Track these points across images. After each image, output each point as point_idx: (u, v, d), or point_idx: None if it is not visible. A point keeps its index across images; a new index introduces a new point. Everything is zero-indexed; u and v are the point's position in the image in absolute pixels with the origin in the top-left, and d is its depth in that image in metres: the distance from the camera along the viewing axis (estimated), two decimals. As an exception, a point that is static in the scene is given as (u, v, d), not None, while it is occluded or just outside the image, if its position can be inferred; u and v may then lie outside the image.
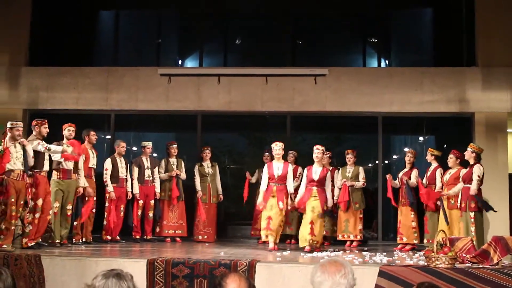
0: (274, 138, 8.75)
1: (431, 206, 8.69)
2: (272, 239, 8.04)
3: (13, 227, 6.96)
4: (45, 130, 7.62)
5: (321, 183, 8.10)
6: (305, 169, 8.34)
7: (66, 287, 5.92)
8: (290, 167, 8.37)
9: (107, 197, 9.00)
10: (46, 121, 7.72)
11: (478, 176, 7.76)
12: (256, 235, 9.62)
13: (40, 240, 7.64)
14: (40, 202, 7.37)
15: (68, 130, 8.17)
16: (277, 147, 8.30)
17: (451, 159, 8.46)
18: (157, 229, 9.65)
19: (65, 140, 8.06)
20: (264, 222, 8.10)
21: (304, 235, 7.89)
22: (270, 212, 8.06)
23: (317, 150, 8.16)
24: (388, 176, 9.19)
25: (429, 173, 8.90)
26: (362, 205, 9.36)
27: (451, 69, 10.69)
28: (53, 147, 7.55)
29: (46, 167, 7.62)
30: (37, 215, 7.36)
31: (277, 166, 8.25)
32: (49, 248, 7.49)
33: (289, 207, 8.30)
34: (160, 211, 9.63)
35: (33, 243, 7.28)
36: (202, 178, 9.87)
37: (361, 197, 9.38)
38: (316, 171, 8.11)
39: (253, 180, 10.03)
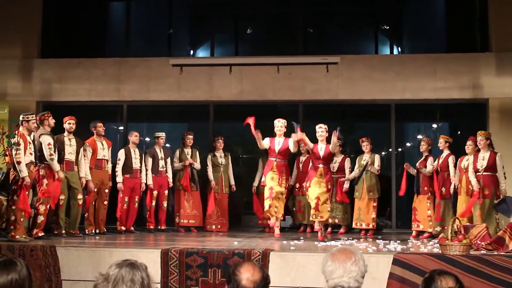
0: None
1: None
2: (273, 219, 8.06)
3: (22, 219, 7.01)
4: (52, 121, 7.75)
5: (327, 160, 8.05)
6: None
7: (81, 277, 5.96)
8: (291, 140, 8.14)
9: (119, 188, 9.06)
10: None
11: (503, 167, 7.86)
12: (263, 224, 9.63)
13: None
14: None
15: (69, 123, 8.21)
16: (279, 123, 8.22)
17: (470, 146, 8.32)
18: (176, 219, 9.65)
19: (66, 133, 8.14)
20: (267, 192, 8.04)
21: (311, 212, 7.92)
22: (271, 183, 8.03)
23: (320, 129, 8.08)
24: (406, 165, 9.20)
25: (441, 160, 8.81)
26: (376, 193, 9.34)
27: (465, 55, 10.58)
28: (55, 162, 7.55)
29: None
30: (48, 206, 7.45)
31: (278, 141, 8.19)
32: (57, 238, 7.58)
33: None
34: (173, 201, 9.67)
35: (43, 234, 7.36)
36: (215, 168, 9.87)
37: (376, 185, 9.35)
38: (321, 147, 8.03)
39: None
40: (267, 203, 8.04)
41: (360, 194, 9.29)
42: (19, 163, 6.92)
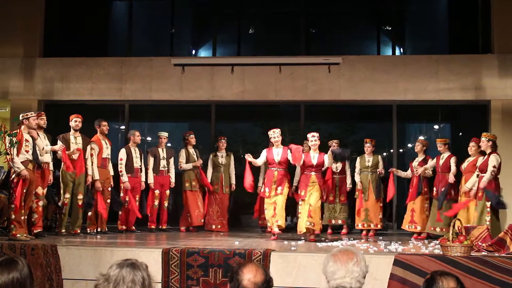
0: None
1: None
2: (275, 225, 8.00)
3: (22, 217, 7.01)
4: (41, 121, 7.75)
5: (319, 168, 8.07)
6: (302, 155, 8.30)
7: (83, 276, 5.97)
8: (289, 151, 8.17)
9: (122, 187, 9.03)
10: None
11: (494, 167, 7.56)
12: (264, 225, 9.61)
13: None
14: (40, 190, 7.47)
15: (75, 121, 8.22)
16: (275, 134, 8.25)
17: (473, 147, 8.29)
18: (189, 220, 9.56)
19: (72, 131, 8.17)
20: (271, 208, 8.04)
21: (303, 221, 7.88)
22: (274, 198, 8.05)
23: (313, 138, 8.12)
24: (392, 170, 9.23)
25: (441, 161, 8.79)
26: (382, 194, 9.34)
27: (467, 56, 10.57)
28: (47, 148, 7.64)
29: (48, 158, 7.70)
30: (40, 203, 7.47)
31: (277, 152, 8.21)
32: (58, 237, 7.59)
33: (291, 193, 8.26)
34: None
35: (40, 230, 7.38)
36: (215, 168, 9.86)
37: (381, 186, 9.36)
38: (314, 156, 8.06)
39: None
40: (272, 220, 8.03)
41: (367, 195, 9.27)
42: (12, 160, 6.94)
